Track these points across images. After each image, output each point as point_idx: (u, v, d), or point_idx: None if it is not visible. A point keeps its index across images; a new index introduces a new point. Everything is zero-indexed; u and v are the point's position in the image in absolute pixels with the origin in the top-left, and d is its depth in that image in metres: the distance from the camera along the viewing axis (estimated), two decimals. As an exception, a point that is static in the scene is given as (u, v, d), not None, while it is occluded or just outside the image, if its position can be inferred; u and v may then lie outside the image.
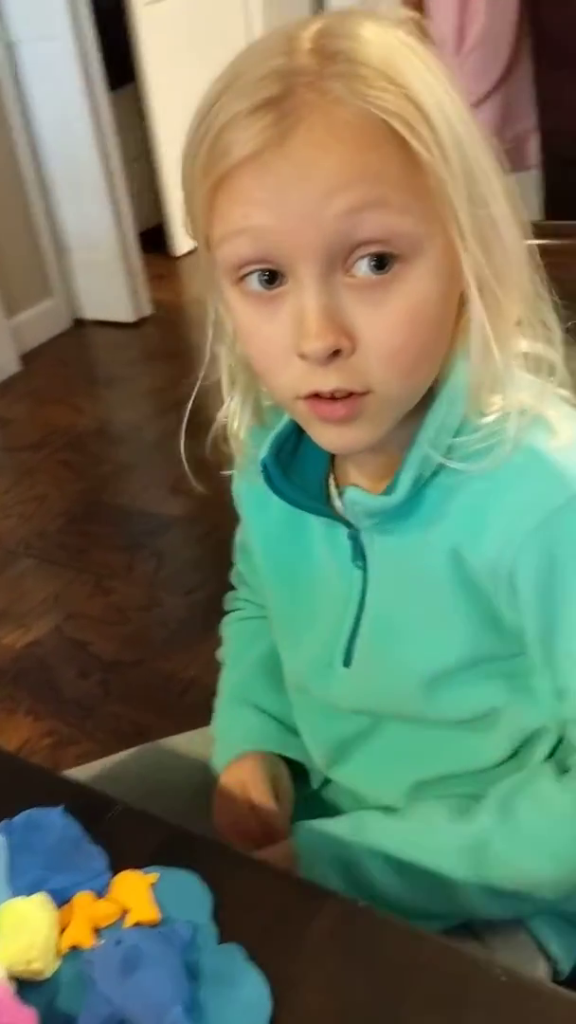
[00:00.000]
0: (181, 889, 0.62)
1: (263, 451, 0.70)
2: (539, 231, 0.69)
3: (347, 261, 0.57)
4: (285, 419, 0.70)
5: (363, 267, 0.57)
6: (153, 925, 0.60)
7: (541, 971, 0.74)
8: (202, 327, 0.70)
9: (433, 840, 0.71)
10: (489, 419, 0.62)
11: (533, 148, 2.02)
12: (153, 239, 3.65)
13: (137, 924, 0.60)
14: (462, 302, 0.62)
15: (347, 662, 0.74)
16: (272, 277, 0.59)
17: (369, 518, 0.68)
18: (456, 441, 0.63)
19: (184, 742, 0.94)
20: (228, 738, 0.86)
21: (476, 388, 0.62)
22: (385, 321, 0.58)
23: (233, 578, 0.95)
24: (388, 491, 0.65)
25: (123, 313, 3.33)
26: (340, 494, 0.70)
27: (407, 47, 0.58)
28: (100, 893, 0.62)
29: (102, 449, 2.70)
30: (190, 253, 3.63)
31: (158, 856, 0.64)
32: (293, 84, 0.55)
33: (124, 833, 0.66)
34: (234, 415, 0.72)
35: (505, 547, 0.62)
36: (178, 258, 3.68)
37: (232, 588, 0.96)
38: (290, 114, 0.54)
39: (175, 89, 3.43)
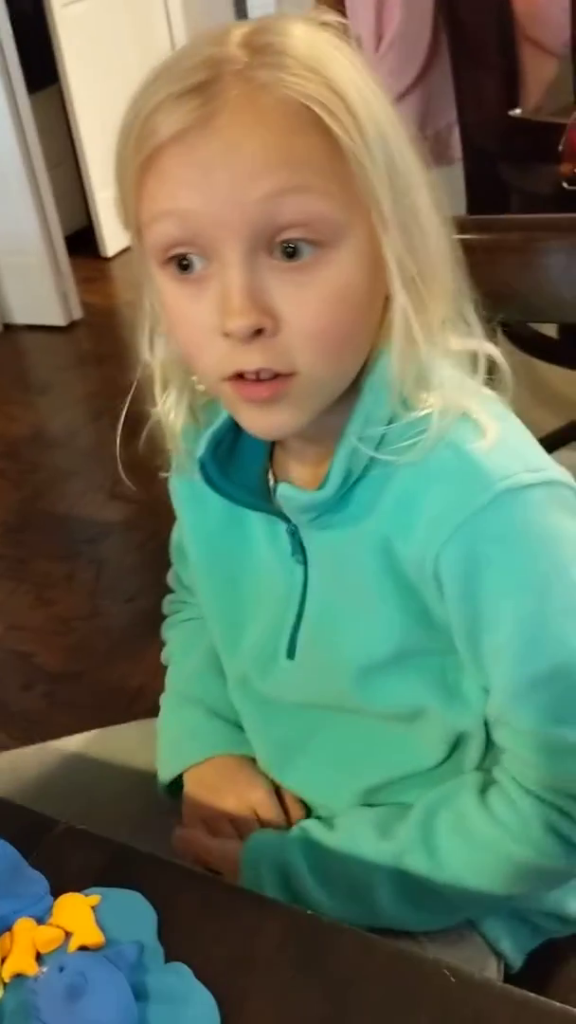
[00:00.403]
0: (125, 909, 0.60)
1: (200, 449, 0.70)
2: (463, 226, 0.69)
3: (271, 244, 0.58)
4: (222, 416, 0.70)
5: (286, 251, 0.58)
6: (97, 948, 0.58)
7: (492, 968, 0.75)
8: (135, 329, 0.70)
9: (357, 855, 0.71)
10: (418, 414, 0.62)
11: (456, 142, 2.04)
12: (82, 242, 3.61)
13: (81, 948, 0.58)
14: (388, 297, 0.62)
15: (291, 654, 0.74)
16: (196, 262, 0.59)
17: (303, 513, 0.68)
18: (386, 433, 0.63)
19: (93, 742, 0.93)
20: (187, 741, 0.85)
21: (400, 379, 0.62)
22: (307, 304, 0.59)
23: (170, 580, 0.94)
24: (321, 486, 0.65)
25: (54, 317, 3.29)
26: (276, 489, 0.70)
27: (332, 45, 0.60)
28: (41, 919, 0.60)
29: (38, 456, 2.66)
30: (120, 255, 3.60)
31: (100, 876, 0.62)
32: (221, 72, 0.57)
33: (64, 854, 0.65)
34: (169, 410, 0.72)
35: (430, 543, 0.62)
36: (108, 260, 3.64)
37: (171, 591, 0.95)
38: (216, 97, 0.56)
39: (97, 90, 3.39)
